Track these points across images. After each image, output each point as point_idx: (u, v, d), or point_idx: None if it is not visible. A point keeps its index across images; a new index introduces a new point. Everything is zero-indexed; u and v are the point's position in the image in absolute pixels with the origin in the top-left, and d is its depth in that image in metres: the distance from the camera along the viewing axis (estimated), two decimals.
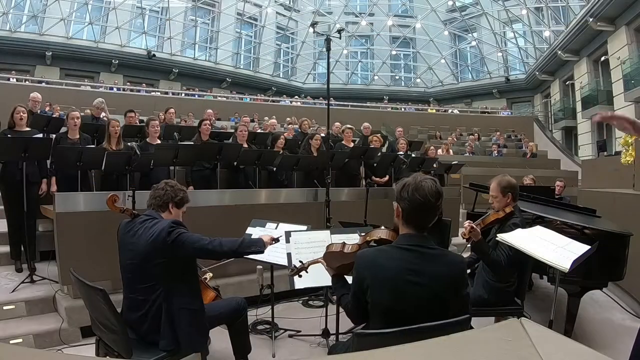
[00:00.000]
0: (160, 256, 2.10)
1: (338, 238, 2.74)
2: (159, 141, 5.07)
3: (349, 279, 1.94)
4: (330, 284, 2.03)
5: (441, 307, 1.57)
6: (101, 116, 6.45)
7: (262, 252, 2.34)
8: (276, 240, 2.40)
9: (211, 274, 2.80)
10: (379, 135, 6.98)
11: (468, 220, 2.73)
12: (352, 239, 2.44)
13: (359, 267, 1.64)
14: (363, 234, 1.95)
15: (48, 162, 4.24)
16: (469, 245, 2.82)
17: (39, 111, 6.24)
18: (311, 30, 23.74)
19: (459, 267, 1.64)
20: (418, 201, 1.58)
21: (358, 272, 1.64)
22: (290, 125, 10.03)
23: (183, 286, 2.19)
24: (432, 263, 1.59)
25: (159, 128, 5.05)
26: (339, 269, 1.97)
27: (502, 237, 2.46)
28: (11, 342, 2.90)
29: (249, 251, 2.31)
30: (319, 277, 2.21)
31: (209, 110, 8.24)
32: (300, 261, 2.16)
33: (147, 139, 4.99)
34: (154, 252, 2.09)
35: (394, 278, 1.56)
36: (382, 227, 1.91)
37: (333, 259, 1.95)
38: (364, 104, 21.45)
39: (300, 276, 2.17)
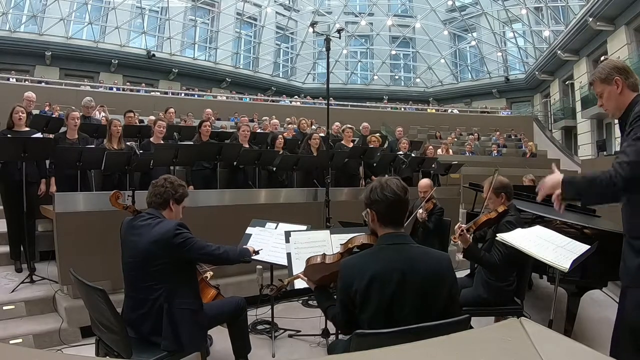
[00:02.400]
0: (164, 256, 2.11)
1: (338, 238, 2.74)
2: (161, 141, 5.07)
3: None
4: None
5: (429, 302, 1.57)
6: (100, 116, 6.44)
7: (250, 262, 2.58)
8: (257, 252, 2.59)
9: (211, 273, 2.81)
10: (377, 135, 6.99)
11: (458, 223, 2.73)
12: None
13: (345, 274, 1.63)
14: (342, 243, 1.91)
15: (47, 162, 4.24)
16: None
17: (36, 111, 6.23)
18: (311, 30, 23.73)
19: (444, 263, 1.64)
20: (389, 198, 1.62)
21: (344, 280, 1.62)
22: (290, 125, 10.01)
23: (184, 286, 2.21)
24: (416, 260, 1.60)
25: (164, 129, 5.04)
26: (321, 281, 1.94)
27: (502, 237, 2.45)
28: (11, 342, 2.90)
29: (243, 260, 2.48)
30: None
31: (208, 110, 8.23)
32: (280, 280, 2.13)
33: (151, 139, 4.99)
34: (158, 252, 2.10)
35: (380, 278, 1.56)
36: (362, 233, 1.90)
37: (314, 271, 1.91)
38: (364, 104, 21.45)
39: (280, 295, 2.15)
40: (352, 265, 1.63)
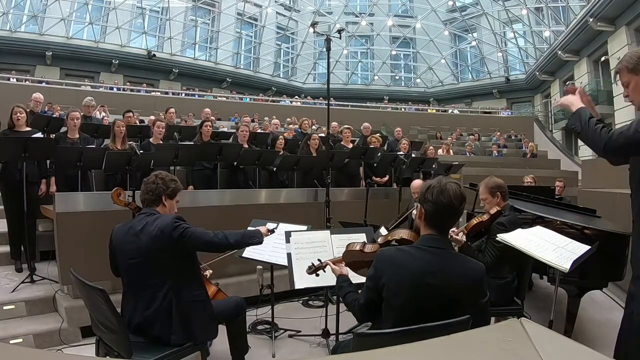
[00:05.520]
0: (166, 251, 2.11)
1: (338, 238, 2.75)
2: (161, 141, 5.07)
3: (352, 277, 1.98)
4: (329, 284, 2.03)
5: (456, 312, 1.55)
6: (100, 115, 6.44)
7: (261, 242, 2.44)
8: (272, 231, 2.49)
9: (211, 271, 2.81)
10: (377, 135, 6.99)
11: (452, 229, 2.71)
12: (355, 239, 2.46)
13: (378, 264, 1.63)
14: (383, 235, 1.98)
15: (47, 162, 4.24)
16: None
17: (40, 111, 6.24)
18: (311, 30, 23.73)
19: (478, 274, 1.62)
20: (442, 204, 1.58)
21: (376, 269, 1.63)
22: (290, 126, 10.03)
23: (190, 278, 2.22)
24: (451, 267, 1.59)
25: (163, 129, 5.04)
26: (351, 266, 1.99)
27: (503, 237, 2.45)
28: (11, 342, 2.90)
29: (251, 242, 2.40)
30: (319, 277, 2.21)
31: (206, 110, 8.21)
32: (319, 259, 2.12)
33: (151, 139, 5.00)
34: (160, 247, 2.11)
35: (412, 278, 1.56)
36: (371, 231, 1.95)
37: (351, 256, 1.97)
38: (364, 104, 21.45)
39: (317, 275, 2.15)
40: (387, 258, 1.62)
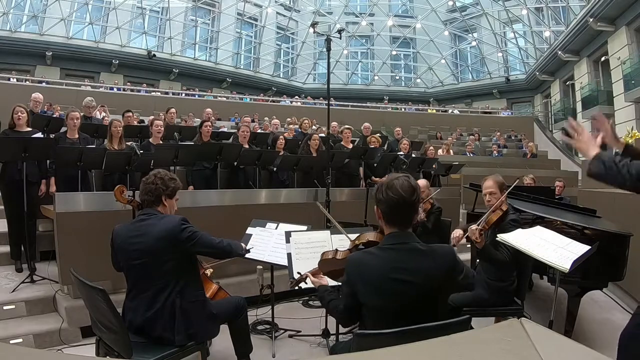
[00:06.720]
0: (172, 252, 2.13)
1: (338, 238, 2.74)
2: (160, 141, 5.07)
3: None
4: (330, 284, 2.04)
5: (429, 302, 1.59)
6: (100, 116, 6.44)
7: (243, 255, 2.60)
8: (247, 251, 2.63)
9: (212, 270, 2.81)
10: (377, 135, 6.99)
11: (475, 226, 2.69)
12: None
13: (348, 270, 1.66)
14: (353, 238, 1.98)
15: (48, 162, 4.24)
16: (468, 245, 2.81)
17: (39, 111, 6.24)
18: (311, 30, 23.71)
19: (448, 259, 1.64)
20: (393, 200, 1.61)
21: (347, 275, 1.66)
22: (291, 126, 10.03)
23: (192, 279, 2.24)
24: (417, 259, 1.61)
25: (162, 128, 5.04)
26: (330, 274, 1.99)
27: (503, 237, 2.46)
28: (11, 342, 2.90)
29: (240, 254, 2.53)
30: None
31: (208, 110, 8.22)
32: (299, 272, 2.15)
33: (150, 139, 4.99)
34: (166, 248, 2.11)
35: (379, 278, 1.59)
36: (370, 230, 1.94)
37: (326, 265, 1.97)
38: (364, 104, 21.44)
39: (300, 287, 2.18)
40: (354, 262, 1.65)
